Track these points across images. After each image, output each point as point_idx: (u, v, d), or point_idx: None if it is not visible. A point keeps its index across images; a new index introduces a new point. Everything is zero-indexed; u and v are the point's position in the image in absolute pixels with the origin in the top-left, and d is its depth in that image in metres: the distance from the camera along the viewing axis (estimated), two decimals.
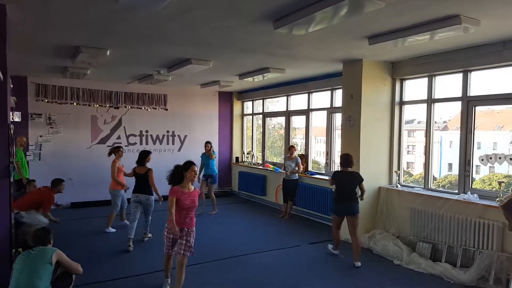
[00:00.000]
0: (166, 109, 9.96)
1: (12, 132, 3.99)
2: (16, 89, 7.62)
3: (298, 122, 9.52)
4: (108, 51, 5.47)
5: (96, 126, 9.21)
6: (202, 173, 8.22)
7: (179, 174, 4.30)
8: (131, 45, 5.23)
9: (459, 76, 5.40)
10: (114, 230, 6.81)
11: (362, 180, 5.37)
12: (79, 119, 8.97)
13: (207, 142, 8.40)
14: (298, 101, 9.13)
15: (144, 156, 6.32)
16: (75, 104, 8.87)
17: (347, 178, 5.37)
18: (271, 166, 8.94)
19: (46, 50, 5.63)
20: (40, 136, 8.59)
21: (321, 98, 8.36)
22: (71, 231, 6.66)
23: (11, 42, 4.74)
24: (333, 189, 5.66)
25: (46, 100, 8.57)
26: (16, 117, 7.15)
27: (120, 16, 3.92)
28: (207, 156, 8.28)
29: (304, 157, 8.13)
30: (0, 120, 3.68)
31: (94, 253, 5.66)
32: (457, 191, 5.48)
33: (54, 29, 4.48)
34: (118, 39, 4.92)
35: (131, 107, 9.52)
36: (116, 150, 6.97)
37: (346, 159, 5.40)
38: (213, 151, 8.36)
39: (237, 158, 10.96)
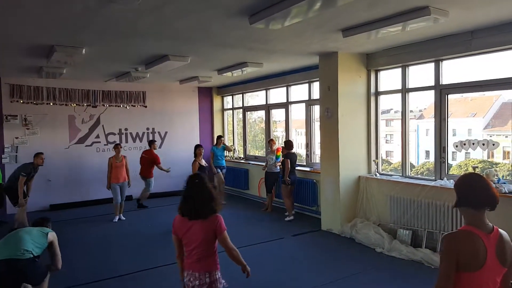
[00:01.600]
0: (145, 106, 9.86)
1: None
2: None
3: (278, 115, 9.61)
4: (84, 50, 5.39)
5: (74, 126, 9.06)
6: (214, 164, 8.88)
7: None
8: (107, 42, 5.17)
9: (431, 65, 5.57)
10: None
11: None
12: (56, 119, 8.79)
13: (219, 136, 9.20)
14: (277, 94, 9.21)
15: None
16: (51, 104, 8.69)
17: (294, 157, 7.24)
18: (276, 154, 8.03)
19: (20, 49, 5.50)
20: (16, 138, 8.38)
21: (299, 91, 8.47)
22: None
23: None
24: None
25: (21, 101, 8.37)
26: None
27: (94, 13, 3.87)
28: (219, 148, 8.94)
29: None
30: None
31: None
32: (434, 177, 5.66)
33: (27, 27, 4.38)
34: (93, 37, 4.85)
35: (109, 105, 9.39)
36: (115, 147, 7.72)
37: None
38: (224, 143, 9.17)
39: None
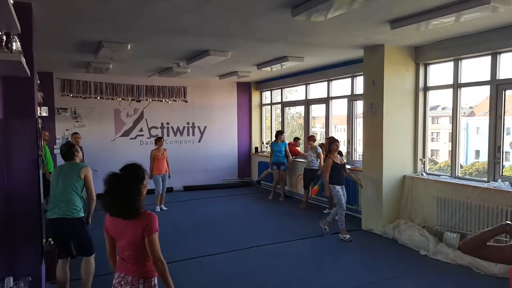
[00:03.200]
0: (186, 101, 10.04)
1: (40, 126, 4.11)
2: (43, 85, 7.83)
3: (316, 111, 9.43)
4: (129, 45, 5.54)
5: (119, 119, 9.41)
6: (272, 161, 8.80)
7: None
8: (151, 38, 5.28)
9: (487, 59, 5.18)
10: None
11: None
12: (103, 113, 9.18)
13: (278, 131, 8.92)
14: (317, 89, 9.02)
15: None
16: (98, 98, 9.08)
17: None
18: (317, 188, 7.60)
19: (70, 46, 5.76)
20: (67, 130, 8.84)
21: (340, 86, 8.24)
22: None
23: (37, 39, 4.87)
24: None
25: (71, 95, 8.81)
26: (43, 112, 7.37)
27: (140, 10, 3.95)
28: (278, 144, 8.71)
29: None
30: (28, 114, 3.78)
31: None
32: (486, 179, 5.29)
33: (76, 24, 4.58)
34: (138, 33, 4.97)
35: (152, 100, 9.65)
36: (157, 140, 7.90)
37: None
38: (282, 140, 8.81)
39: (256, 148, 10.96)
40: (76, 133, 7.59)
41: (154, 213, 2.40)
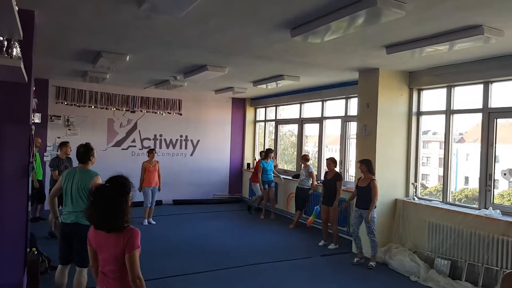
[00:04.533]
0: (181, 114, 10.04)
1: (33, 133, 4.07)
2: (38, 91, 7.78)
3: (309, 129, 9.49)
4: (128, 56, 5.56)
5: (112, 129, 9.35)
6: (262, 179, 8.67)
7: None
8: (151, 50, 5.31)
9: (479, 87, 5.30)
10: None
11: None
12: (96, 122, 9.12)
13: (269, 149, 8.89)
14: (311, 108, 9.10)
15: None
16: (93, 107, 9.03)
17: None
18: (312, 219, 7.34)
19: (69, 54, 5.76)
20: (58, 137, 8.73)
21: (335, 106, 8.32)
22: None
23: (36, 46, 4.86)
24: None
25: (65, 103, 8.75)
26: (36, 118, 7.30)
27: (141, 22, 3.98)
28: (268, 162, 8.65)
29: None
30: (22, 120, 3.75)
31: None
32: (477, 205, 5.31)
33: (77, 33, 4.59)
34: (138, 45, 5.00)
35: (146, 111, 9.64)
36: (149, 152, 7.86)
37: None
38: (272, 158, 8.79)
39: (248, 164, 10.94)
40: (66, 142, 6.83)
41: (142, 226, 2.37)
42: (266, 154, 8.72)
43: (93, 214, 2.28)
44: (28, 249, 4.11)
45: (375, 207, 5.60)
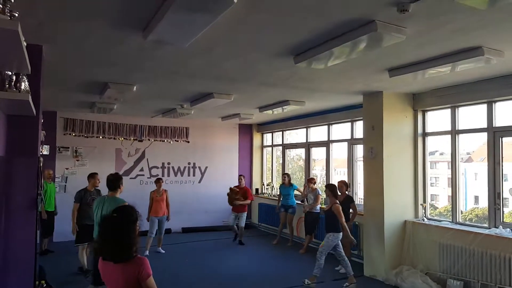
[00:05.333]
0: (188, 141, 10.13)
1: (41, 164, 4.12)
2: (46, 123, 7.92)
3: (316, 153, 9.48)
4: (135, 87, 5.68)
5: (120, 159, 9.43)
6: (280, 203, 8.66)
7: None
8: (157, 80, 5.43)
9: (483, 106, 5.32)
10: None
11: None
12: (104, 152, 9.21)
13: (285, 174, 8.81)
14: (317, 132, 9.14)
15: None
16: (101, 137, 9.15)
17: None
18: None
19: (76, 86, 5.90)
20: (67, 168, 8.82)
21: (341, 130, 8.35)
22: None
23: (44, 79, 5.01)
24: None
25: (73, 134, 8.87)
26: (44, 150, 7.40)
27: (147, 53, 4.10)
28: (286, 187, 8.58)
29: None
30: (30, 153, 3.82)
31: None
32: (487, 225, 5.24)
33: (84, 66, 4.73)
34: (145, 75, 5.12)
35: (154, 140, 9.74)
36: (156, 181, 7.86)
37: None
38: (291, 182, 8.65)
39: (257, 190, 10.90)
40: (95, 174, 6.45)
41: (148, 255, 2.36)
42: (284, 178, 8.71)
43: (100, 245, 2.29)
44: (37, 282, 4.09)
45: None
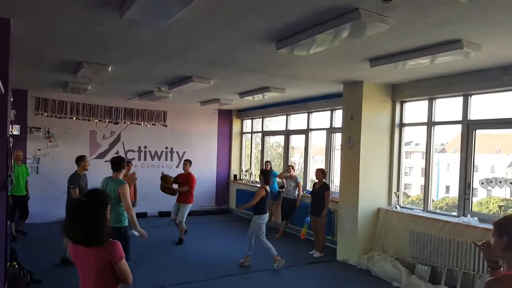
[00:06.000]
0: (166, 126, 9.96)
1: (11, 145, 3.95)
2: (16, 103, 7.58)
3: (295, 141, 9.53)
4: (110, 67, 5.49)
5: (95, 141, 9.18)
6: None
7: None
8: (134, 61, 5.26)
9: (459, 99, 5.44)
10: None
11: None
12: (78, 134, 8.94)
13: (267, 161, 8.73)
14: (297, 120, 9.16)
15: None
16: (74, 118, 8.86)
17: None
18: (304, 231, 7.17)
19: (48, 64, 5.65)
20: (39, 149, 8.53)
21: (320, 118, 8.40)
22: None
23: (13, 56, 4.75)
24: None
25: (45, 114, 8.56)
26: (15, 130, 7.09)
27: (123, 33, 3.95)
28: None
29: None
30: None
31: None
32: (456, 213, 5.44)
33: (57, 44, 4.50)
34: (120, 56, 4.95)
35: (130, 123, 9.51)
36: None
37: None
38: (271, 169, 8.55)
39: (235, 176, 10.90)
40: (83, 156, 6.17)
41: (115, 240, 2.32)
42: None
43: (71, 228, 2.26)
44: (8, 263, 3.97)
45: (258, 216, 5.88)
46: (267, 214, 6.00)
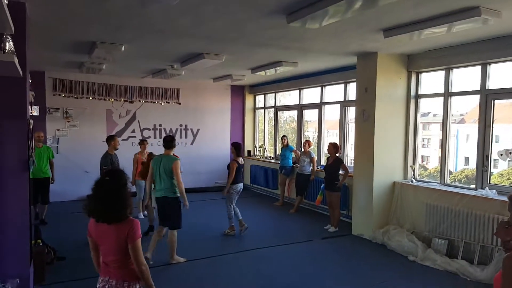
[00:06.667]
0: (179, 103, 10.03)
1: (31, 126, 4.07)
2: (34, 84, 7.75)
3: (309, 115, 9.48)
4: (123, 47, 5.52)
5: (111, 120, 9.35)
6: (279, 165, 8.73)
7: None
8: (146, 40, 5.27)
9: (478, 68, 5.27)
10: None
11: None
12: (94, 113, 9.11)
13: (284, 136, 8.79)
14: (310, 94, 9.08)
15: None
16: (91, 98, 9.02)
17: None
18: (320, 198, 7.35)
19: (63, 45, 5.72)
20: (58, 130, 8.76)
21: (334, 91, 8.30)
22: None
23: (30, 39, 4.82)
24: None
25: (63, 95, 8.73)
26: (34, 111, 7.27)
27: (135, 11, 3.95)
28: (283, 148, 8.68)
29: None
30: (19, 114, 3.75)
31: None
32: (474, 186, 5.38)
33: (71, 24, 4.55)
34: (133, 34, 4.96)
35: (145, 101, 9.62)
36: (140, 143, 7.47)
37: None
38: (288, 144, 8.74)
39: (249, 152, 10.98)
40: (114, 136, 6.44)
41: (140, 219, 2.41)
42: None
43: (94, 207, 2.35)
44: (33, 241, 4.17)
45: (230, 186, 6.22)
46: (241, 183, 6.35)
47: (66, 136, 8.84)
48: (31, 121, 4.10)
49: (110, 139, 6.33)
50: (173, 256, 5.09)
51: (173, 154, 5.21)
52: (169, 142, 5.12)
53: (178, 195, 5.00)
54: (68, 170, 8.46)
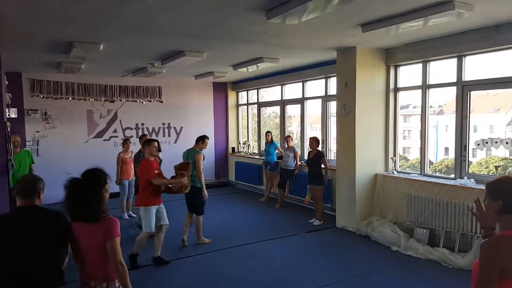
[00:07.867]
0: (161, 101, 9.94)
1: (9, 129, 3.99)
2: (11, 86, 7.57)
3: (292, 110, 9.54)
4: (102, 46, 5.43)
5: (92, 120, 9.20)
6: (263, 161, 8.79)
7: None
8: (125, 38, 5.20)
9: (454, 61, 5.41)
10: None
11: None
12: (75, 114, 8.94)
13: (268, 132, 8.80)
14: (292, 90, 9.13)
15: None
16: (70, 98, 8.84)
17: None
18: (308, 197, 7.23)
19: (40, 46, 5.59)
20: (37, 131, 8.57)
21: (315, 86, 8.37)
22: None
23: (4, 39, 4.70)
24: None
25: (41, 96, 8.54)
26: (12, 113, 7.09)
27: (113, 10, 3.89)
28: (267, 144, 8.68)
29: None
30: None
31: None
32: (453, 176, 5.53)
33: (46, 24, 4.45)
34: (111, 33, 4.89)
35: (126, 100, 9.49)
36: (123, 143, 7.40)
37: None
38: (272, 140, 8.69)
39: (233, 149, 10.98)
40: (149, 139, 5.53)
41: (122, 220, 2.40)
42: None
43: (68, 206, 2.35)
44: None
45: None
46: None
47: (46, 138, 8.66)
48: (8, 123, 4.01)
49: (146, 144, 5.36)
50: (200, 238, 5.75)
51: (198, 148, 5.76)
52: (198, 138, 5.88)
53: (198, 185, 5.49)
54: (49, 172, 8.22)
